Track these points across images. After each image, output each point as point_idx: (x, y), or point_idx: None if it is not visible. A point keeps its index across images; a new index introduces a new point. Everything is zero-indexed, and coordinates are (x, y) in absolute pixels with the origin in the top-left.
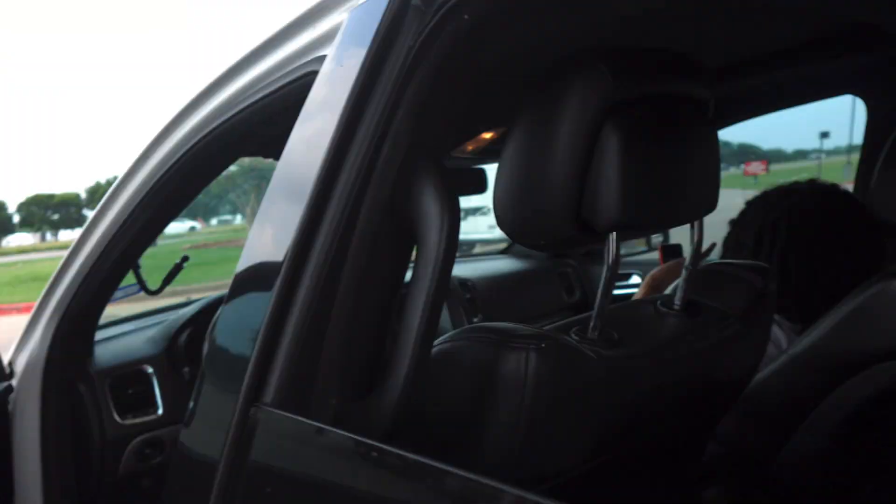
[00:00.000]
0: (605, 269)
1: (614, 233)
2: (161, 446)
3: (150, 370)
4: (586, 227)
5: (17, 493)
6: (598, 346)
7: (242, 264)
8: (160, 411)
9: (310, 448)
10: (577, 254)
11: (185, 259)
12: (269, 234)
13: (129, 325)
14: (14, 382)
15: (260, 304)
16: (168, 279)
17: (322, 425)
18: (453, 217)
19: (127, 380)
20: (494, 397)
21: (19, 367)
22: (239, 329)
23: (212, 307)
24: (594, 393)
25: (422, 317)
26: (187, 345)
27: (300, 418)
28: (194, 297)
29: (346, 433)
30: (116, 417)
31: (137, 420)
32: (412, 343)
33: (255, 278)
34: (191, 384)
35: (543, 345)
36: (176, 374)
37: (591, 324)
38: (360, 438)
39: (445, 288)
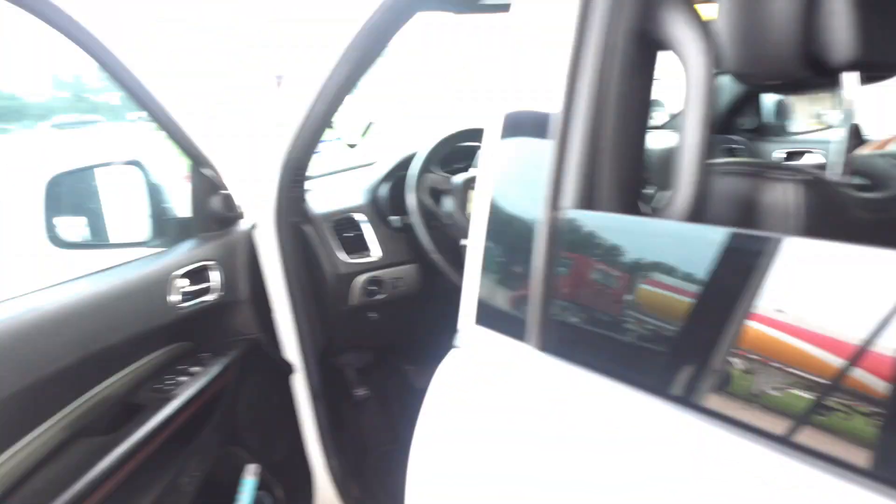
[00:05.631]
0: (842, 114)
1: (850, 72)
2: (381, 285)
3: (361, 218)
4: (818, 66)
5: (273, 310)
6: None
7: (511, 107)
8: (376, 254)
9: (615, 236)
10: (743, 129)
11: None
12: (530, 73)
13: (326, 179)
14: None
15: (537, 128)
16: (363, 134)
17: (634, 216)
18: (711, 40)
19: (343, 225)
20: (756, 228)
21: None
22: (521, 156)
23: (403, 163)
24: (857, 233)
25: (701, 132)
26: (389, 197)
27: (605, 213)
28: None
29: (659, 218)
30: (343, 256)
31: (359, 260)
32: (696, 157)
33: (528, 117)
34: (401, 231)
35: (808, 178)
36: (383, 223)
37: (840, 169)
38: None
39: (713, 106)
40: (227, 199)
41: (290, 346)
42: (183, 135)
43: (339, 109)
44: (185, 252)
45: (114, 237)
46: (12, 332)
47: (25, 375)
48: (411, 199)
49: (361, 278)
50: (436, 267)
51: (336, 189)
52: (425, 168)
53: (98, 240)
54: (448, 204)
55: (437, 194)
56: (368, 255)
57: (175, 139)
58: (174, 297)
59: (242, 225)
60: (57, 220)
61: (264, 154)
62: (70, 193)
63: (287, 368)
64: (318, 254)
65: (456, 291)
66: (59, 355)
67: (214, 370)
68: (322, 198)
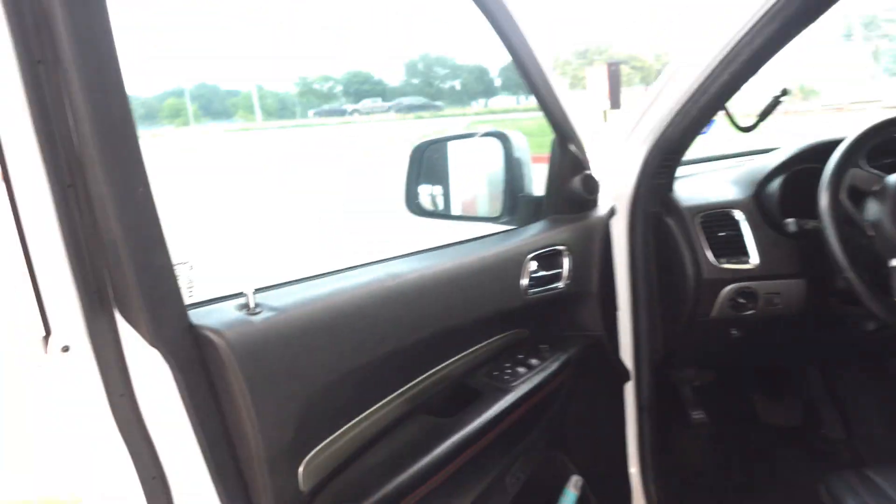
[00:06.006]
0: None
1: None
2: (753, 298)
3: (740, 216)
4: None
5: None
6: None
7: None
8: (754, 261)
9: None
10: None
11: (784, 93)
12: None
13: (708, 165)
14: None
15: None
16: (763, 115)
17: None
18: None
19: (716, 221)
20: None
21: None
22: None
23: (807, 154)
24: None
25: None
26: (781, 193)
27: None
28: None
29: None
30: (711, 258)
31: (732, 266)
32: None
33: None
34: (792, 238)
35: None
36: (769, 225)
37: None
38: None
39: None
40: (589, 181)
41: (627, 351)
42: (559, 107)
43: (745, 81)
44: (537, 233)
45: (465, 209)
46: (375, 297)
47: (384, 344)
48: (824, 200)
49: (730, 287)
50: (834, 287)
51: (712, 178)
52: (849, 160)
53: (451, 210)
54: (874, 210)
55: (858, 196)
56: (745, 262)
57: (549, 112)
58: (524, 281)
59: (599, 210)
60: (419, 189)
61: (628, 135)
62: (431, 162)
63: (624, 375)
64: (679, 252)
65: (861, 320)
66: (417, 327)
67: (554, 366)
68: (693, 187)
